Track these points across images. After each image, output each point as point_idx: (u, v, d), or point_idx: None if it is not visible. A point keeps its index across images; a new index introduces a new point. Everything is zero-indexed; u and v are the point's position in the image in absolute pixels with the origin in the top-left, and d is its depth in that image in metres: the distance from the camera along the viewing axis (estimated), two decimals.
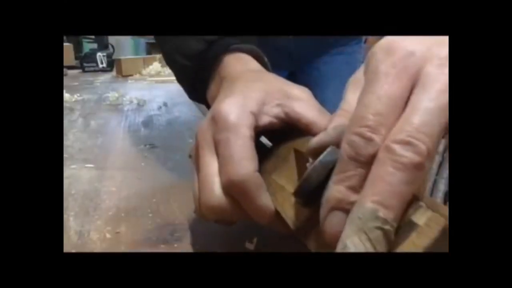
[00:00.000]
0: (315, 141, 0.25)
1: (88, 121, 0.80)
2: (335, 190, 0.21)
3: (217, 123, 0.30)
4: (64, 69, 1.44)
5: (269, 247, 0.34)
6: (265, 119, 0.31)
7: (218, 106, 0.31)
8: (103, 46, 1.61)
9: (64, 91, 1.03)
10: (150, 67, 1.45)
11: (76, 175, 0.50)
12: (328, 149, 0.24)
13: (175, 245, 0.34)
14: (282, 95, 0.32)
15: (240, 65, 0.38)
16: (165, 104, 0.93)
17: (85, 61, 1.55)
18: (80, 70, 1.56)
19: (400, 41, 0.24)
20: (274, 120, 0.31)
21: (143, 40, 3.45)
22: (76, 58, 1.69)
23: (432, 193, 1.98)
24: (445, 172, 1.99)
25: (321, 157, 0.23)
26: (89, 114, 0.86)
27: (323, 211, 0.22)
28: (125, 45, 3.33)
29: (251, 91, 0.32)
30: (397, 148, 0.19)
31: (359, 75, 0.26)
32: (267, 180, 0.29)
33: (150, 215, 0.40)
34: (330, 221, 0.22)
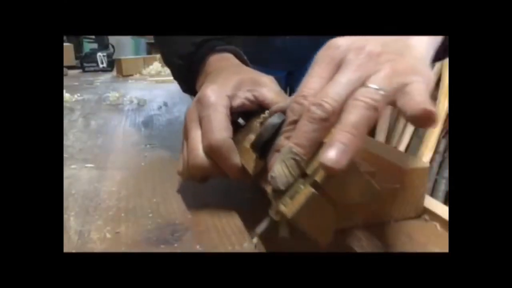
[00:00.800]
0: (273, 108, 0.34)
1: (88, 121, 0.80)
2: (281, 140, 0.30)
3: (201, 104, 0.39)
4: (64, 69, 1.44)
5: (269, 247, 0.34)
6: (238, 101, 0.40)
7: (203, 91, 0.40)
8: (104, 46, 1.61)
9: (64, 91, 1.03)
10: (151, 67, 1.45)
11: (76, 175, 0.50)
12: (276, 114, 0.32)
13: (175, 245, 0.34)
14: (252, 83, 0.41)
15: (223, 62, 0.48)
16: (165, 104, 0.93)
17: (85, 61, 1.55)
18: (80, 70, 1.56)
19: (337, 39, 0.32)
20: (245, 101, 0.41)
21: (143, 40, 3.45)
22: (76, 58, 1.68)
23: (432, 193, 1.98)
24: (446, 172, 1.99)
25: (269, 119, 0.32)
26: (89, 114, 0.86)
27: (271, 157, 0.31)
28: (125, 45, 3.34)
29: (228, 80, 0.41)
30: (312, 108, 0.28)
31: None
32: (238, 146, 0.38)
33: (150, 215, 0.40)
34: (273, 161, 0.30)
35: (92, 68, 1.55)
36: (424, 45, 0.34)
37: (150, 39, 3.01)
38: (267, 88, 0.41)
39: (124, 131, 0.72)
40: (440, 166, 2.04)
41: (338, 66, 0.30)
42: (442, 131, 2.02)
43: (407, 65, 0.30)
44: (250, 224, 0.36)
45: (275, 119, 0.32)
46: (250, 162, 0.36)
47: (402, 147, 2.27)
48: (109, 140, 0.66)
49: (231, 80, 0.41)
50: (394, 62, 0.30)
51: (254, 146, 0.32)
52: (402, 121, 2.37)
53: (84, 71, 1.54)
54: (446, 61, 2.04)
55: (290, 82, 0.91)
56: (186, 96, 0.87)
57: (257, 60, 0.59)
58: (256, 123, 0.38)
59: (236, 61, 0.49)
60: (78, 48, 1.75)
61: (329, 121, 0.28)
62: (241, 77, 0.42)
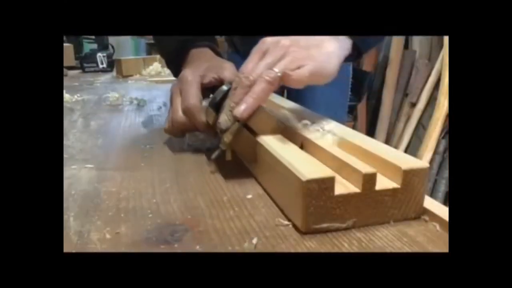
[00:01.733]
0: (226, 80, 0.53)
1: (88, 121, 0.80)
2: (229, 101, 0.46)
3: (181, 81, 0.56)
4: (64, 70, 1.44)
5: (269, 247, 0.34)
6: (207, 79, 0.56)
7: (182, 73, 0.58)
8: (103, 47, 1.60)
9: (64, 91, 1.03)
10: (150, 67, 1.45)
11: (76, 176, 0.50)
12: (226, 83, 0.50)
13: (175, 246, 0.34)
14: (218, 67, 0.57)
15: (201, 54, 0.65)
16: (165, 105, 0.93)
17: (85, 62, 1.55)
18: (80, 71, 1.56)
19: (266, 38, 0.50)
20: (212, 79, 0.56)
21: (143, 41, 3.45)
22: (76, 58, 1.68)
23: (432, 193, 1.98)
24: (445, 172, 1.99)
25: (220, 88, 0.50)
26: (89, 114, 0.86)
27: (221, 112, 0.48)
28: (125, 46, 3.34)
29: (201, 65, 0.59)
30: (243, 80, 0.46)
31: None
32: (206, 109, 0.52)
33: (150, 215, 0.40)
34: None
35: (92, 69, 1.55)
36: (332, 47, 0.50)
37: (150, 39, 3.01)
38: (227, 70, 0.56)
39: (124, 132, 0.72)
40: (439, 167, 2.04)
41: (263, 55, 0.49)
42: (441, 131, 2.02)
43: (305, 55, 0.47)
44: (245, 230, 0.36)
45: (224, 87, 0.49)
46: (211, 117, 0.50)
47: (402, 148, 2.27)
48: (109, 141, 0.66)
49: (203, 65, 0.58)
50: (296, 52, 0.47)
51: (210, 104, 0.50)
52: (402, 122, 2.38)
53: (84, 71, 1.54)
54: (446, 61, 2.04)
55: (284, 87, 0.96)
56: None
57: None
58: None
59: (211, 53, 0.66)
60: (78, 49, 1.75)
61: (250, 87, 0.45)
62: (210, 63, 0.59)
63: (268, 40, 0.49)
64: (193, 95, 0.53)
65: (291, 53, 0.47)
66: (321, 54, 0.48)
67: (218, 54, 0.67)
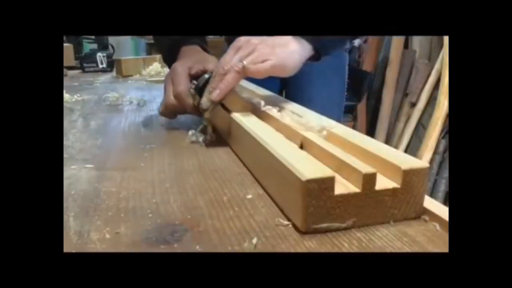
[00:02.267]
0: (209, 71, 0.63)
1: (88, 121, 0.80)
2: (209, 87, 0.58)
3: (173, 72, 0.68)
4: (64, 70, 1.44)
5: (269, 247, 0.34)
6: (194, 70, 0.67)
7: (174, 65, 0.70)
8: (103, 47, 1.60)
9: (64, 91, 1.03)
10: (150, 67, 1.45)
11: (76, 176, 0.50)
12: (208, 73, 0.61)
13: (175, 246, 0.34)
14: (203, 60, 0.69)
15: (190, 51, 0.77)
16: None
17: (85, 62, 1.55)
18: (80, 71, 1.56)
19: (240, 37, 0.61)
20: (198, 71, 0.66)
21: (143, 41, 3.44)
22: (76, 58, 1.68)
23: (431, 193, 1.98)
24: (445, 172, 1.99)
25: (203, 75, 0.61)
26: (89, 114, 0.86)
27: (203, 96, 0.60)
28: (125, 46, 3.34)
29: (189, 59, 0.71)
30: (220, 70, 0.58)
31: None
32: (193, 93, 0.62)
33: (150, 215, 0.40)
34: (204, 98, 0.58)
35: (92, 69, 1.54)
36: (295, 47, 0.60)
37: (150, 39, 3.00)
38: (210, 63, 0.67)
39: (124, 132, 0.72)
40: (439, 167, 2.04)
41: (237, 50, 0.59)
42: (441, 131, 2.02)
43: (270, 52, 0.58)
44: (245, 229, 0.36)
45: (206, 76, 0.61)
46: (195, 100, 0.61)
47: (401, 147, 2.27)
48: (109, 141, 0.66)
49: (191, 59, 0.71)
50: (263, 49, 0.58)
51: (195, 89, 0.61)
52: (402, 122, 2.38)
53: (83, 71, 1.54)
54: (446, 61, 2.04)
55: (284, 87, 1.10)
56: None
57: None
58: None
59: (199, 49, 0.78)
60: (78, 49, 1.75)
61: (224, 75, 0.57)
62: (197, 57, 0.72)
63: (242, 39, 0.60)
64: (182, 83, 0.65)
65: (258, 49, 0.58)
66: (284, 52, 0.59)
67: (205, 50, 0.79)
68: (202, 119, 0.62)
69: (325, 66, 0.97)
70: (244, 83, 0.80)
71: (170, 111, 0.68)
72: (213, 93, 0.57)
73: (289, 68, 0.60)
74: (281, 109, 0.59)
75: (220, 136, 0.63)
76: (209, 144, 0.61)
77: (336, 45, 0.73)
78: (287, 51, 0.59)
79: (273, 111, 0.58)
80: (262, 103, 0.61)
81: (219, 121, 0.62)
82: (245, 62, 0.57)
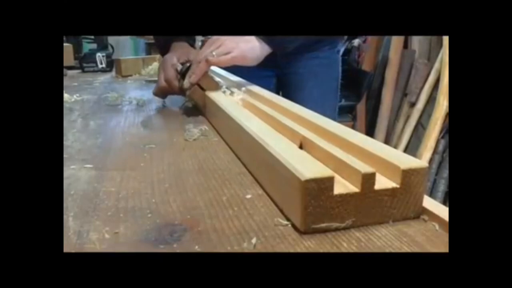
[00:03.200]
0: (191, 60, 0.82)
1: (88, 121, 0.80)
2: (189, 72, 0.78)
3: (164, 62, 0.88)
4: (64, 69, 1.44)
5: (269, 247, 0.34)
6: (181, 60, 0.84)
7: (165, 57, 0.90)
8: (103, 47, 1.60)
9: (64, 91, 1.03)
10: (150, 67, 1.45)
11: (75, 175, 0.50)
12: (190, 61, 0.81)
13: (174, 246, 0.34)
14: (187, 52, 0.87)
15: (179, 45, 0.93)
16: (164, 105, 0.93)
17: (84, 61, 1.54)
18: (79, 70, 1.56)
19: (214, 37, 0.81)
20: (184, 61, 0.82)
21: (142, 41, 3.44)
22: (75, 58, 1.68)
23: (431, 193, 1.98)
24: (445, 172, 1.99)
25: (185, 63, 0.81)
26: (89, 114, 0.86)
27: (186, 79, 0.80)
28: (124, 46, 3.33)
29: (176, 52, 0.89)
30: (196, 59, 0.78)
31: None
32: (178, 79, 0.82)
33: (149, 215, 0.40)
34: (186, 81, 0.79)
35: (91, 69, 1.54)
36: (256, 44, 0.79)
37: (149, 39, 3.00)
38: (192, 54, 0.85)
39: (123, 132, 0.72)
40: (439, 166, 2.04)
41: (210, 46, 0.76)
42: (441, 131, 2.02)
43: (234, 46, 0.76)
44: (245, 228, 0.36)
45: (187, 64, 0.79)
46: (180, 82, 0.80)
47: (401, 147, 2.27)
48: (108, 141, 0.66)
49: (178, 52, 0.89)
50: (229, 44, 0.76)
51: (180, 74, 0.81)
52: (401, 121, 2.38)
53: (83, 71, 1.54)
54: (445, 61, 2.04)
55: (278, 86, 1.16)
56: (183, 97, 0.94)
57: None
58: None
59: (186, 44, 0.95)
60: (77, 49, 1.75)
61: (199, 64, 0.74)
62: (183, 51, 0.89)
63: (214, 37, 0.79)
64: (170, 70, 0.84)
65: (225, 44, 0.77)
66: (246, 46, 0.78)
67: (191, 45, 0.97)
68: (186, 97, 0.82)
69: (315, 70, 1.08)
70: (236, 78, 0.93)
71: (161, 92, 0.89)
72: (192, 77, 0.76)
73: (249, 59, 0.80)
74: (237, 89, 0.79)
75: (219, 136, 0.67)
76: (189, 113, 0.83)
77: (293, 43, 0.94)
78: (249, 46, 0.79)
79: (226, 91, 0.78)
80: (224, 86, 0.81)
81: (197, 97, 0.80)
82: (214, 53, 0.75)
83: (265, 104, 0.66)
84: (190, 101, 0.84)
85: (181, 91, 0.82)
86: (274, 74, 1.12)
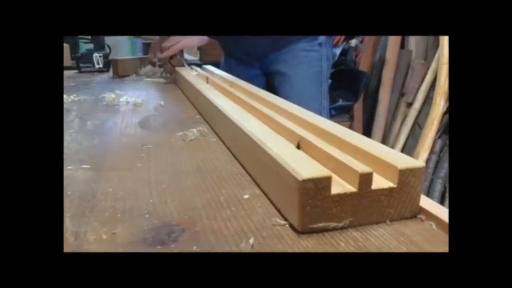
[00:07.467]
0: (167, 45, 1.27)
1: (85, 121, 0.80)
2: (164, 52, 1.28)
3: (152, 47, 1.37)
4: None
5: (266, 247, 0.34)
6: (163, 44, 1.24)
7: (153, 42, 1.42)
8: (100, 47, 1.60)
9: None
10: (147, 67, 1.45)
11: (73, 176, 0.50)
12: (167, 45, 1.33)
13: (172, 246, 0.34)
14: (169, 40, 1.23)
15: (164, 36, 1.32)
16: (161, 105, 0.93)
17: (81, 62, 1.54)
18: (76, 71, 1.55)
19: (174, 36, 1.27)
20: (166, 47, 1.24)
21: (140, 41, 3.44)
22: (72, 58, 1.68)
23: (428, 193, 1.98)
24: (442, 172, 1.99)
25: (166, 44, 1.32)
26: (86, 114, 0.86)
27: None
28: (122, 46, 3.33)
29: (162, 39, 1.28)
30: (165, 47, 1.24)
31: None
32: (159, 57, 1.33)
33: (147, 216, 0.39)
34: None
35: (88, 69, 1.54)
36: (197, 37, 1.25)
37: (147, 39, 3.00)
38: (169, 42, 1.20)
39: (121, 132, 0.72)
40: (436, 166, 2.05)
41: (171, 40, 1.22)
42: (438, 131, 2.02)
43: (182, 39, 1.21)
44: (243, 229, 0.36)
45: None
46: (169, 68, 1.31)
47: (398, 147, 2.27)
48: (105, 141, 0.66)
49: (164, 39, 1.23)
50: (183, 41, 1.22)
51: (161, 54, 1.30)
52: (398, 122, 2.38)
53: (80, 71, 1.53)
54: (442, 61, 2.05)
55: (268, 84, 1.29)
56: (183, 96, 1.06)
57: (233, 55, 1.35)
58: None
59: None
60: (74, 49, 1.74)
61: (167, 50, 1.22)
62: (166, 38, 1.22)
63: (174, 36, 1.19)
64: (155, 51, 1.28)
65: (179, 38, 1.19)
66: (189, 39, 1.22)
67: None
68: (163, 70, 1.33)
69: (294, 61, 1.21)
70: (230, 77, 1.03)
71: (151, 63, 1.33)
72: (163, 54, 1.22)
73: (190, 45, 1.32)
74: (199, 68, 1.21)
75: (217, 136, 0.68)
76: (167, 82, 1.28)
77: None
78: (191, 38, 1.23)
79: (189, 68, 1.21)
80: (188, 66, 1.27)
81: (169, 70, 1.29)
82: (171, 43, 1.19)
83: (261, 103, 0.66)
84: (165, 72, 1.33)
85: (161, 65, 1.34)
86: (262, 73, 1.31)
